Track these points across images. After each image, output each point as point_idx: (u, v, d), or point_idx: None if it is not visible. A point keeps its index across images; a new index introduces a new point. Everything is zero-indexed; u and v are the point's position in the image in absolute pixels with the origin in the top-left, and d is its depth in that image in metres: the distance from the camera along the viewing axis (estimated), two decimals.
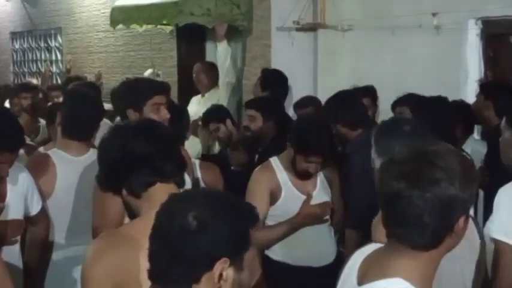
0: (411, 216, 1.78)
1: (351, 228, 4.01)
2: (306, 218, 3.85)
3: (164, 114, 3.50)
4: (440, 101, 4.22)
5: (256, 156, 4.76)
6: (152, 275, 1.80)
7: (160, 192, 2.14)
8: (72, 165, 3.84)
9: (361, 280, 1.94)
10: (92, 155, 3.89)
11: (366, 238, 3.33)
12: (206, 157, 5.13)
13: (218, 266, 1.75)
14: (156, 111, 3.49)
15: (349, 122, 4.33)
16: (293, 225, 3.87)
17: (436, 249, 1.82)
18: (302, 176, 3.88)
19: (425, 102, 4.25)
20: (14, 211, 3.49)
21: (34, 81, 11.17)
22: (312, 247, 3.92)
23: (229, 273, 1.77)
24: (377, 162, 2.71)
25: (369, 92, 5.63)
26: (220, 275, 1.75)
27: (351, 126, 4.33)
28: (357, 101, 4.61)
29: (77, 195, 3.84)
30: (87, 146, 3.94)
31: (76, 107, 3.94)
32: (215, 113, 5.35)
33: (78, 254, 3.81)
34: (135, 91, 3.58)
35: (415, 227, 1.79)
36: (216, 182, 4.02)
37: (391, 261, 1.86)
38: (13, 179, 3.49)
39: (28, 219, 3.64)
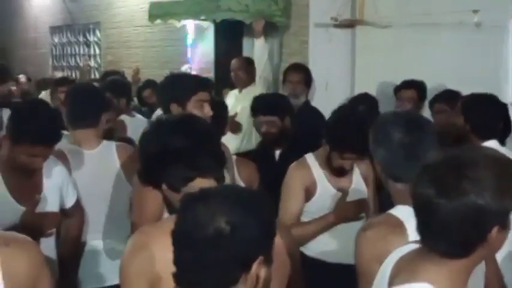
0: (438, 224, 1.76)
1: None
2: (341, 215, 3.84)
3: (207, 111, 3.51)
4: (491, 99, 4.16)
5: (278, 153, 4.76)
6: (183, 281, 1.76)
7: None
8: (85, 159, 3.88)
9: (392, 281, 1.92)
10: (104, 147, 3.98)
11: None
12: (244, 153, 5.14)
13: (256, 267, 1.72)
14: (200, 108, 3.49)
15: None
16: (328, 222, 3.86)
17: (467, 258, 1.79)
18: (337, 172, 3.87)
19: (477, 100, 4.18)
20: (50, 204, 3.53)
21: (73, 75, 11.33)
22: (346, 244, 3.90)
23: (263, 270, 1.74)
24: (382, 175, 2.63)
25: (416, 85, 5.60)
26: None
27: None
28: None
29: (91, 188, 3.88)
30: (98, 137, 3.98)
31: (73, 99, 4.01)
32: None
33: (98, 248, 3.95)
34: (180, 86, 3.58)
35: (442, 235, 1.76)
36: (252, 179, 4.03)
37: (421, 265, 1.84)
38: (48, 172, 3.53)
39: (63, 212, 3.68)
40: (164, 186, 2.33)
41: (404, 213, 2.30)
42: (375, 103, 5.68)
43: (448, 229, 1.74)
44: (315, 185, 3.88)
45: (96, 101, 4.05)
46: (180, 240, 1.76)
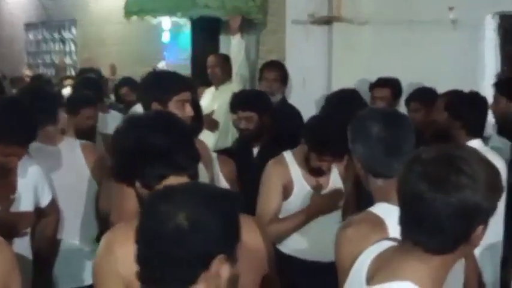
0: (430, 220, 1.75)
1: None
2: (314, 209, 3.83)
3: (189, 111, 3.46)
4: (478, 96, 4.17)
5: (257, 150, 4.74)
6: (144, 278, 1.75)
7: None
8: (47, 155, 3.88)
9: (371, 279, 1.91)
10: (67, 143, 4.01)
11: None
12: (222, 150, 5.12)
13: (215, 265, 1.71)
14: (181, 108, 3.44)
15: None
16: (302, 218, 3.85)
17: (450, 254, 1.79)
18: (315, 172, 3.86)
19: (465, 97, 4.18)
20: (24, 203, 3.50)
21: (48, 73, 11.24)
22: (320, 241, 3.89)
23: (225, 269, 1.73)
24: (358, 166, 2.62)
25: (390, 84, 5.57)
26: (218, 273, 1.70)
27: None
28: (357, 99, 4.57)
29: (55, 183, 3.85)
30: (58, 133, 4.00)
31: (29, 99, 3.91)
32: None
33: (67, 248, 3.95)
34: (162, 85, 3.53)
35: (433, 231, 1.76)
36: (233, 176, 4.01)
37: (403, 263, 1.83)
38: (23, 171, 3.50)
39: (39, 211, 3.66)
40: (138, 184, 2.30)
41: (385, 210, 2.30)
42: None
43: (439, 225, 1.74)
44: (292, 184, 3.87)
45: (51, 97, 4.06)
46: (142, 237, 1.75)
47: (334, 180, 3.96)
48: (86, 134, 4.25)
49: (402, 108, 5.55)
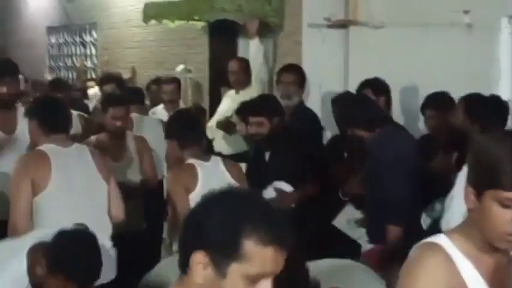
0: None
1: (392, 224, 4.03)
2: None
3: None
4: (497, 102, 4.15)
5: (268, 154, 4.79)
6: None
7: None
8: None
9: None
10: None
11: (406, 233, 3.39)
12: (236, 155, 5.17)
13: (194, 259, 1.73)
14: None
15: (368, 124, 4.30)
16: None
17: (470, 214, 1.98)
18: None
19: (481, 102, 4.16)
20: None
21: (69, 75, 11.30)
22: None
23: (208, 272, 1.73)
24: None
25: (371, 84, 5.42)
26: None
27: (370, 128, 4.32)
28: (370, 101, 4.59)
29: None
30: None
31: None
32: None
33: None
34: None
35: None
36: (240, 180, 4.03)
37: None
38: None
39: None
40: None
41: None
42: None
43: None
44: None
45: None
46: None
47: None
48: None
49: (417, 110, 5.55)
